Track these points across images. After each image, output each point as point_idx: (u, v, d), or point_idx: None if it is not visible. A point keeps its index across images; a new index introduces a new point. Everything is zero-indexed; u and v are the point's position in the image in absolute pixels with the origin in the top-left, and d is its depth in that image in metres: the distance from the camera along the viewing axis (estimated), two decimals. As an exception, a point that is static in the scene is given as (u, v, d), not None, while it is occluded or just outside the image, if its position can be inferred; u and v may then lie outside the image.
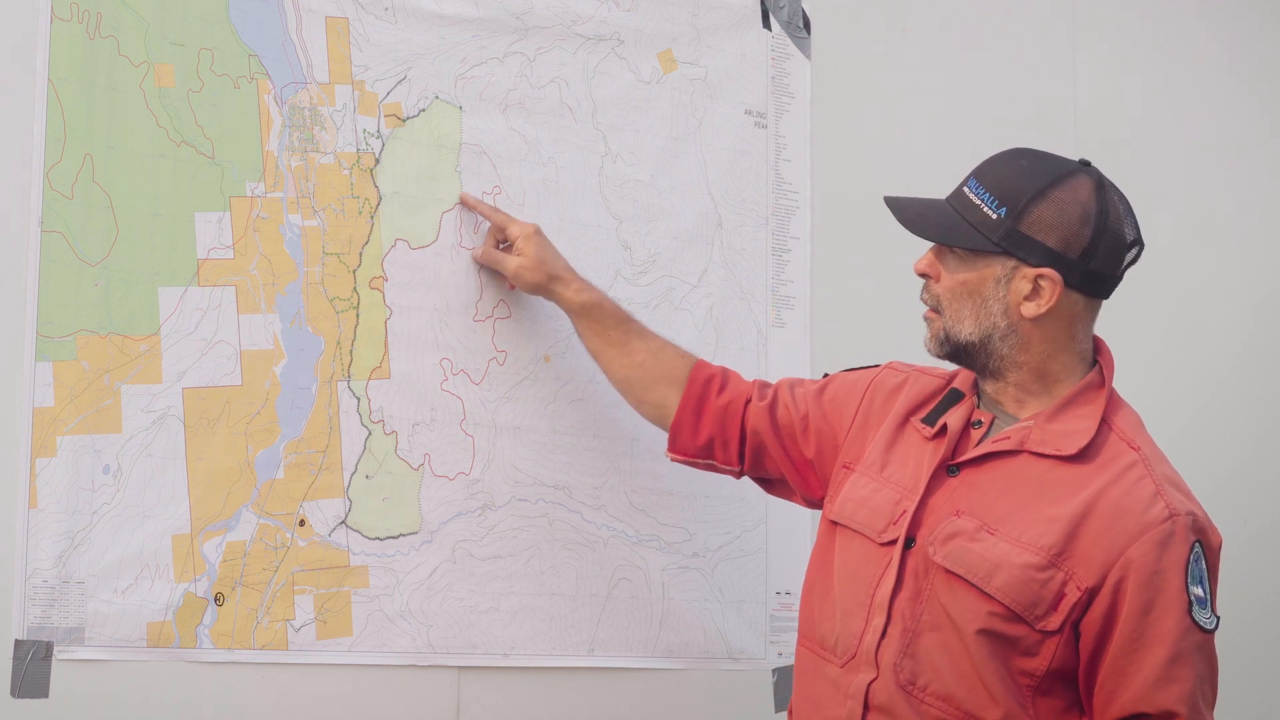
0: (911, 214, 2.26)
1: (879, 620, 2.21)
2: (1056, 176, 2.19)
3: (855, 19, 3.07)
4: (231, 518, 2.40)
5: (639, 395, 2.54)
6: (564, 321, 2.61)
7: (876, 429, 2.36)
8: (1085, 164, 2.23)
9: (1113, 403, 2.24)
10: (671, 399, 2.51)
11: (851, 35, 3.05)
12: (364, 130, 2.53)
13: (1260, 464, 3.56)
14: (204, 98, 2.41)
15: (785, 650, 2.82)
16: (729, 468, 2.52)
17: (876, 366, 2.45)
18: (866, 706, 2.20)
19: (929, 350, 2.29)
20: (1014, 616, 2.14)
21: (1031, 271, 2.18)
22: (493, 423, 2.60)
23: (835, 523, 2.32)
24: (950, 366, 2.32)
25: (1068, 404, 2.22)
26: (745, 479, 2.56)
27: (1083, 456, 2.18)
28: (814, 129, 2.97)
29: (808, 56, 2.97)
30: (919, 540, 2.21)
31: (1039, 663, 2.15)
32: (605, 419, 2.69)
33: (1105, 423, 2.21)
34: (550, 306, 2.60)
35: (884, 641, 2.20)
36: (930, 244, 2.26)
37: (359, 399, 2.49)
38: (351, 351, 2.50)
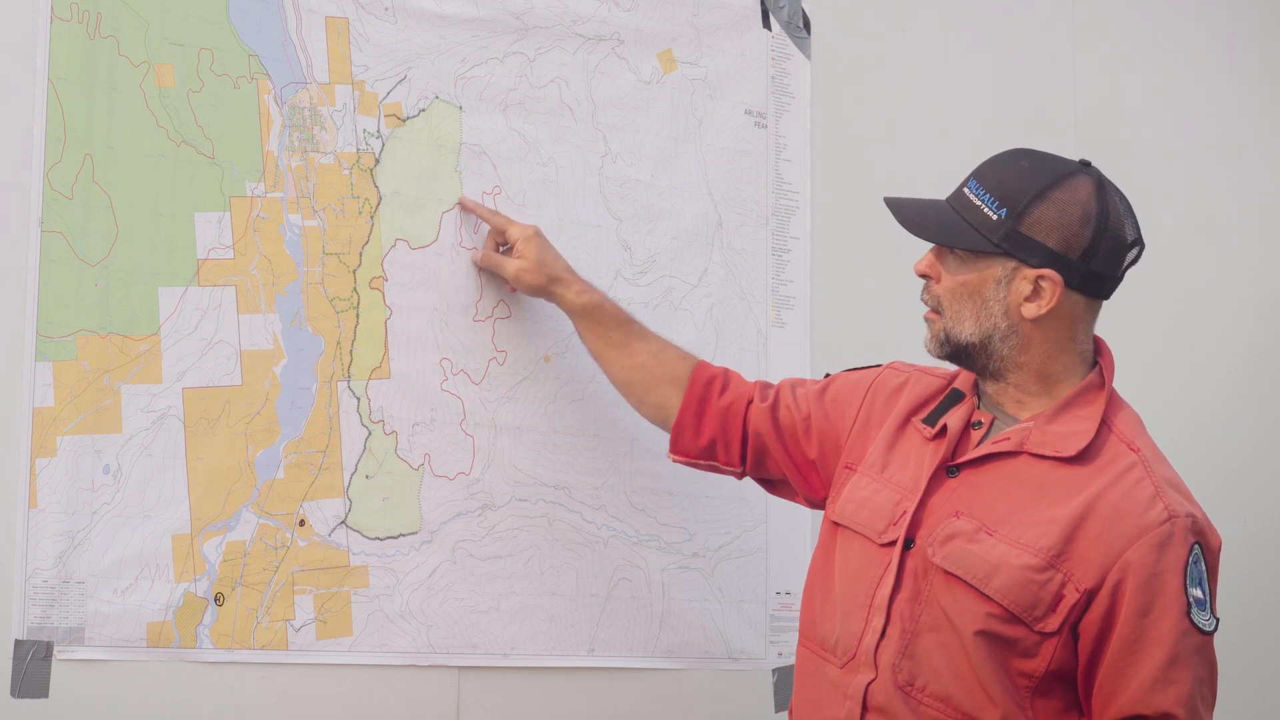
0: (912, 215, 2.25)
1: (878, 621, 2.21)
2: (1057, 177, 2.19)
3: (855, 19, 3.07)
4: (231, 518, 2.40)
5: (640, 397, 2.54)
6: (564, 321, 2.61)
7: (878, 429, 2.35)
8: (1086, 164, 2.23)
9: (1113, 404, 2.24)
10: (673, 400, 2.51)
11: (851, 35, 3.05)
12: (364, 130, 2.53)
13: (1260, 464, 3.56)
14: (204, 98, 2.41)
15: (785, 650, 2.82)
16: (731, 469, 2.52)
17: (878, 366, 2.45)
18: (865, 707, 2.20)
19: (929, 351, 2.29)
20: (1012, 618, 2.14)
21: (1032, 272, 2.18)
22: (493, 423, 2.60)
23: (837, 523, 2.32)
24: (951, 367, 2.32)
25: (1068, 405, 2.21)
26: (747, 479, 2.56)
27: (1082, 458, 2.17)
28: (814, 129, 2.97)
29: (808, 56, 2.97)
30: (918, 541, 2.21)
31: (1037, 664, 2.14)
32: (605, 419, 2.69)
33: (1105, 424, 2.21)
34: (550, 307, 2.60)
35: (883, 642, 2.20)
36: (930, 245, 2.26)
37: (359, 399, 2.49)
38: (351, 351, 2.50)
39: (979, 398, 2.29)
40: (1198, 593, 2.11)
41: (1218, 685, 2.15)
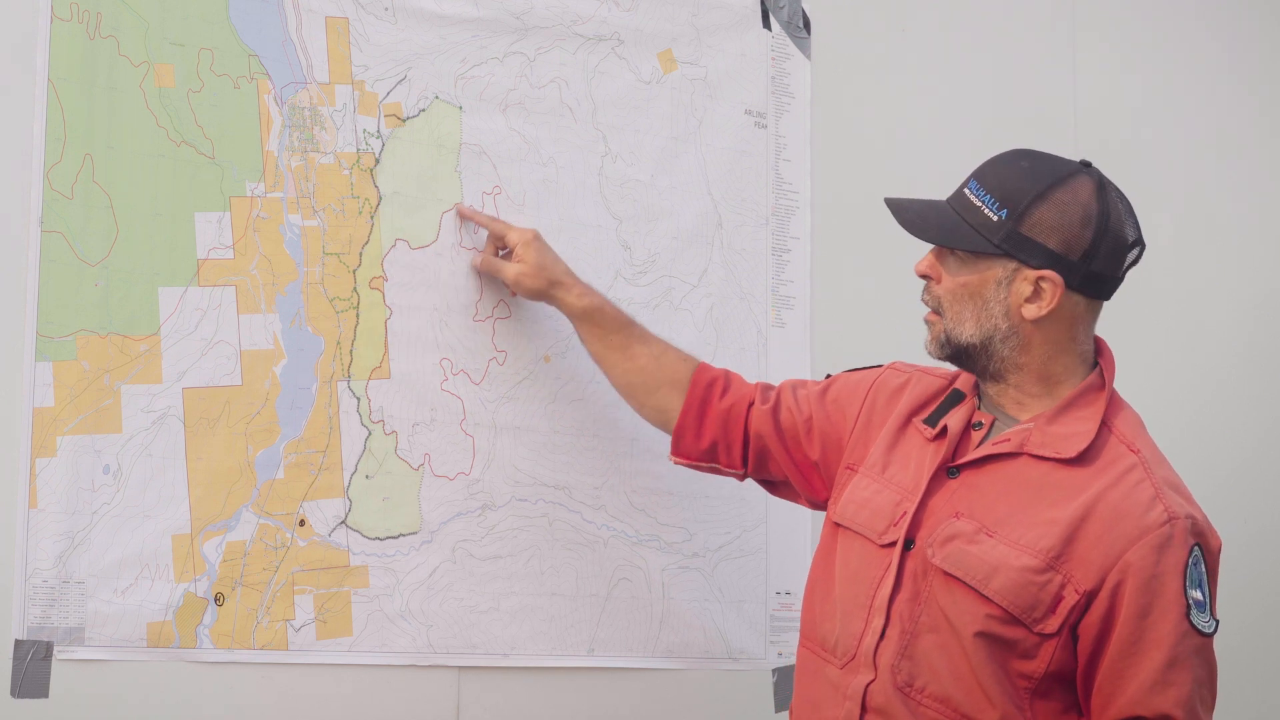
0: (912, 215, 2.25)
1: (878, 622, 2.21)
2: (1057, 178, 2.19)
3: (855, 19, 3.07)
4: (231, 518, 2.40)
5: (641, 400, 2.54)
6: (564, 321, 2.60)
7: (879, 430, 2.35)
8: (1086, 165, 2.23)
9: (1113, 404, 2.24)
10: (674, 403, 2.51)
11: (851, 35, 3.05)
12: (364, 130, 2.53)
13: (1260, 464, 3.56)
14: (204, 98, 2.41)
15: (785, 650, 2.82)
16: (733, 471, 2.52)
17: (879, 367, 2.45)
18: (864, 708, 2.20)
19: (929, 352, 2.29)
20: (1012, 619, 2.14)
21: (1032, 273, 2.18)
22: (493, 423, 2.60)
23: (838, 524, 2.32)
24: (952, 367, 2.32)
25: (1068, 406, 2.21)
26: (748, 480, 2.56)
27: (1082, 459, 2.17)
28: (814, 129, 2.97)
29: (808, 56, 2.97)
30: (918, 542, 2.21)
31: (1037, 665, 2.14)
32: (605, 419, 2.69)
33: (1105, 425, 2.21)
34: (550, 307, 2.60)
35: (882, 643, 2.20)
36: (931, 246, 2.26)
37: (359, 399, 2.49)
38: (351, 351, 2.50)
39: (979, 398, 2.29)
40: (1197, 594, 2.11)
41: (1217, 686, 2.15)
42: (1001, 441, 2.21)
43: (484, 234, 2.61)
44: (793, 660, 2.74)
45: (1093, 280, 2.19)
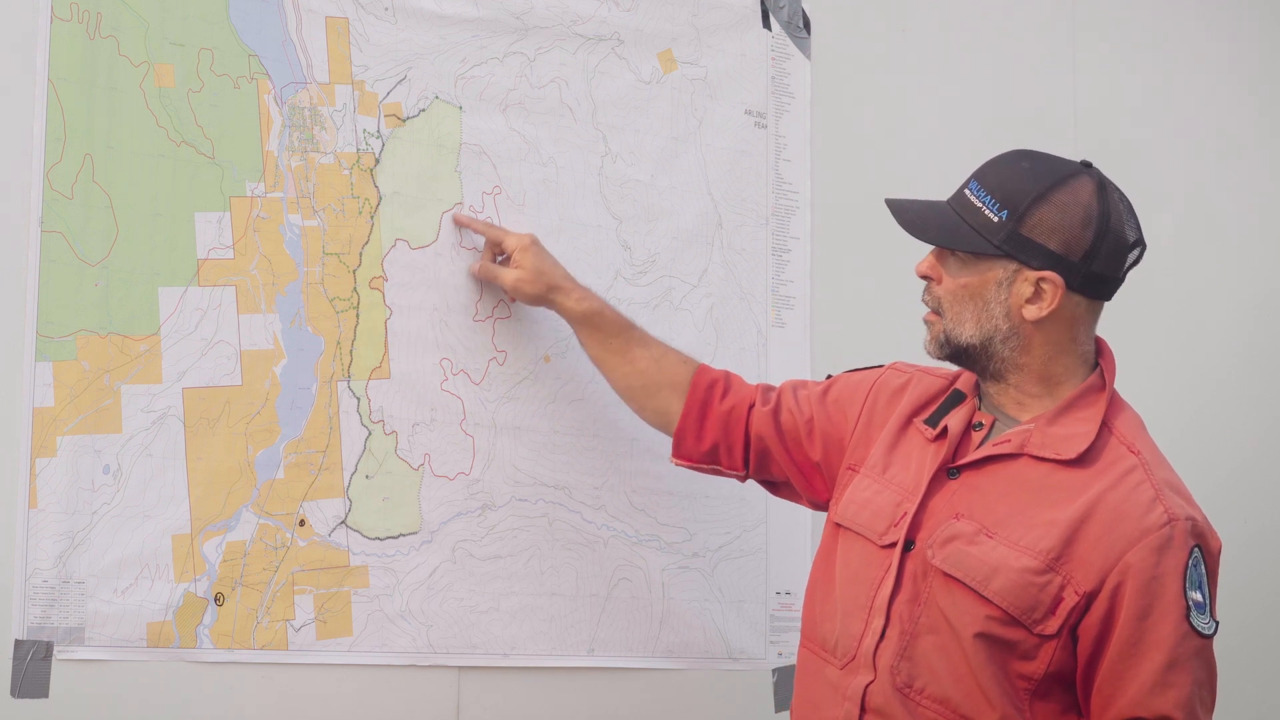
0: (912, 216, 2.25)
1: (878, 623, 2.21)
2: (1058, 178, 2.19)
3: (855, 19, 3.07)
4: (231, 518, 2.40)
5: (642, 402, 2.54)
6: (564, 321, 2.60)
7: (880, 430, 2.35)
8: (1087, 165, 2.23)
9: (1114, 405, 2.23)
10: (674, 406, 2.51)
11: (851, 35, 3.05)
12: (364, 130, 2.53)
13: (1260, 464, 3.56)
14: (204, 98, 2.41)
15: (785, 650, 2.82)
16: (734, 472, 2.51)
17: (880, 367, 2.45)
18: (863, 709, 2.20)
19: (928, 352, 2.29)
20: (1011, 620, 2.13)
21: (1033, 274, 2.17)
22: (493, 423, 2.60)
23: (839, 525, 2.32)
24: (953, 367, 2.32)
25: (1068, 407, 2.21)
26: (749, 481, 2.56)
27: (1083, 460, 2.17)
28: (814, 129, 2.97)
29: (808, 56, 2.97)
30: (918, 543, 2.21)
31: (1036, 666, 2.14)
32: (605, 419, 2.69)
33: (1106, 426, 2.20)
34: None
35: (882, 644, 2.20)
36: (931, 246, 2.26)
37: (359, 399, 2.49)
38: (351, 351, 2.50)
39: (980, 399, 2.29)
40: (1197, 596, 2.11)
41: (1217, 688, 2.15)
42: (1002, 442, 2.21)
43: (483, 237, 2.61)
44: (793, 660, 2.74)
45: (1093, 281, 2.19)
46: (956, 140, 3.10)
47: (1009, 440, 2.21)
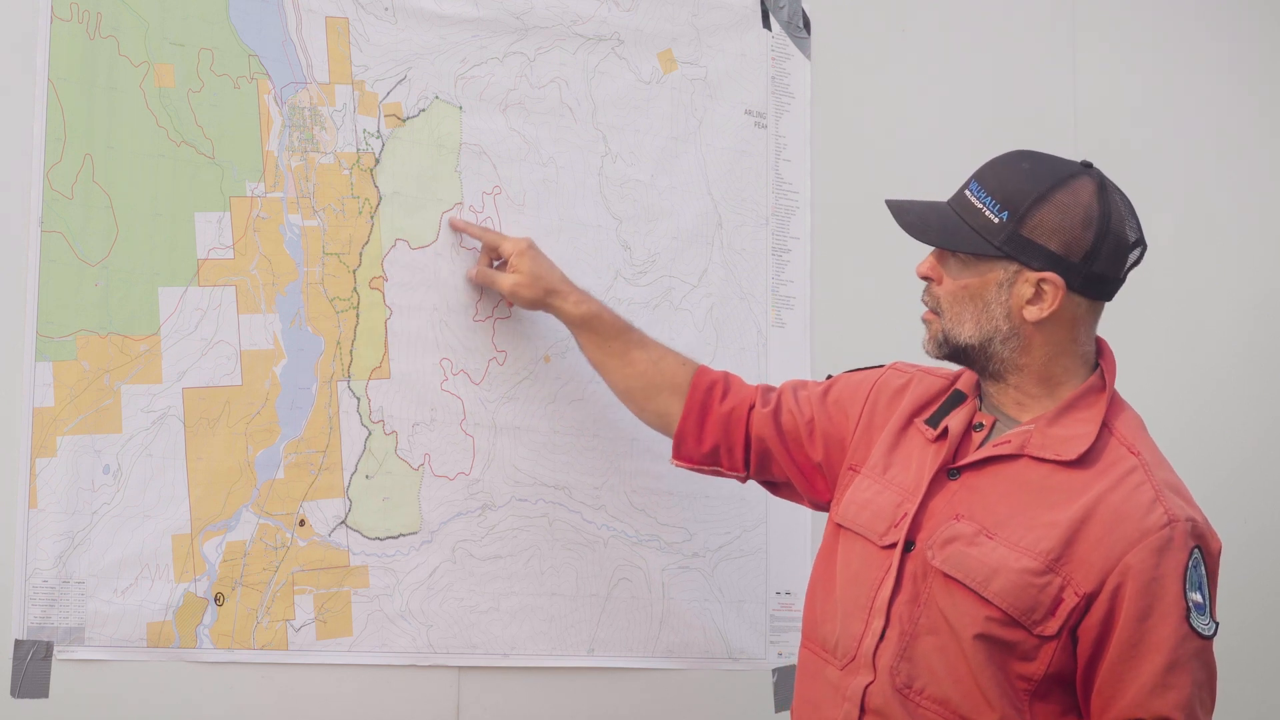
0: (913, 218, 2.25)
1: (878, 623, 2.21)
2: (1058, 179, 2.19)
3: (855, 19, 3.07)
4: (231, 518, 2.40)
5: (641, 405, 2.54)
6: (564, 322, 2.61)
7: (881, 430, 2.35)
8: (1087, 165, 2.23)
9: (1114, 406, 2.23)
10: (674, 408, 2.51)
11: (851, 35, 3.05)
12: (364, 130, 2.53)
13: (1260, 464, 3.56)
14: (204, 98, 2.41)
15: (785, 650, 2.82)
16: (734, 473, 2.51)
17: (880, 367, 2.45)
18: (863, 709, 2.20)
19: (927, 351, 2.28)
20: (1011, 621, 2.13)
21: (1034, 275, 2.17)
22: (493, 423, 2.60)
23: (839, 525, 2.31)
24: (954, 367, 2.32)
25: (1069, 408, 2.21)
26: (750, 481, 2.56)
27: (1083, 461, 2.17)
28: (814, 129, 2.97)
29: (808, 56, 2.97)
30: (918, 544, 2.21)
31: (1036, 667, 2.14)
32: (605, 419, 2.69)
33: (1106, 427, 2.20)
34: (549, 309, 2.60)
35: (882, 644, 2.20)
36: (931, 247, 2.26)
37: (359, 399, 2.49)
38: (351, 351, 2.50)
39: (980, 399, 2.29)
40: (1197, 597, 2.11)
41: (1216, 689, 2.15)
42: (1002, 443, 2.21)
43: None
44: (793, 660, 2.74)
45: (1094, 282, 2.19)
46: (956, 140, 3.10)
47: (1009, 441, 2.21)
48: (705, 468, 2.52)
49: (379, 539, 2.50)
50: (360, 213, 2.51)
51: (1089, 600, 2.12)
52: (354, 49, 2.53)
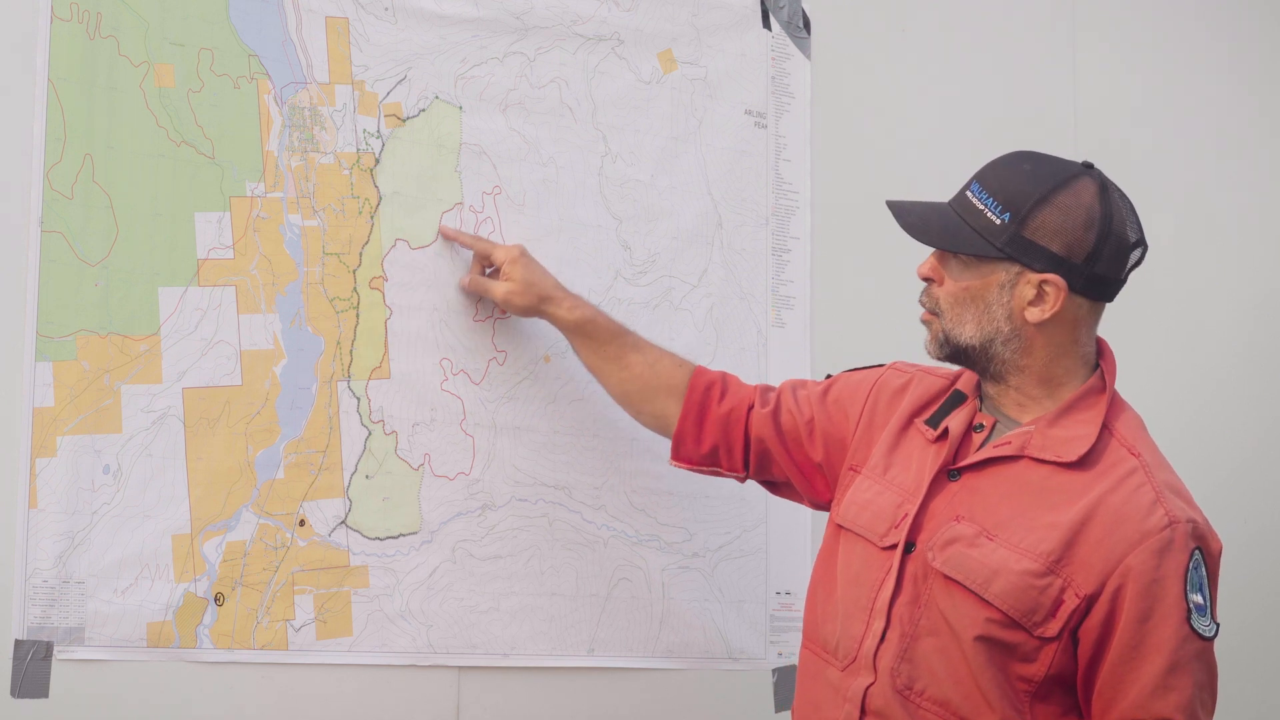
0: (915, 219, 2.24)
1: (878, 625, 2.21)
2: (1060, 180, 2.18)
3: (855, 19, 3.07)
4: (231, 518, 2.40)
5: (639, 408, 2.54)
6: (563, 322, 2.61)
7: (881, 430, 2.35)
8: (1088, 166, 2.23)
9: (1114, 407, 2.23)
10: (671, 410, 2.50)
11: (851, 35, 3.05)
12: (364, 130, 2.53)
13: (1260, 464, 3.56)
14: (204, 98, 2.41)
15: (785, 650, 2.82)
16: (734, 474, 2.51)
17: (880, 366, 2.45)
18: (863, 710, 2.20)
19: (929, 352, 2.28)
20: (1012, 623, 2.13)
21: (1036, 277, 2.17)
22: (493, 423, 2.60)
23: (840, 526, 2.31)
24: (954, 367, 2.32)
25: (1069, 409, 2.21)
26: (750, 481, 2.56)
27: (1083, 463, 2.17)
28: (814, 129, 2.97)
29: (808, 56, 2.97)
30: (919, 545, 2.21)
31: (1037, 669, 2.14)
32: (605, 419, 2.69)
33: (1106, 428, 2.20)
34: (548, 310, 2.60)
35: (882, 646, 2.20)
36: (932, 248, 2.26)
37: (359, 399, 2.49)
38: (351, 351, 2.50)
39: (981, 400, 2.29)
40: (1198, 598, 2.11)
41: (1217, 690, 2.15)
42: (1002, 444, 2.21)
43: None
44: (793, 660, 2.74)
45: (1096, 283, 2.18)
46: (956, 140, 3.10)
47: (1009, 442, 2.21)
48: (704, 468, 2.51)
49: (379, 539, 2.50)
50: (360, 213, 2.51)
51: (1090, 602, 2.11)
52: (354, 49, 2.53)
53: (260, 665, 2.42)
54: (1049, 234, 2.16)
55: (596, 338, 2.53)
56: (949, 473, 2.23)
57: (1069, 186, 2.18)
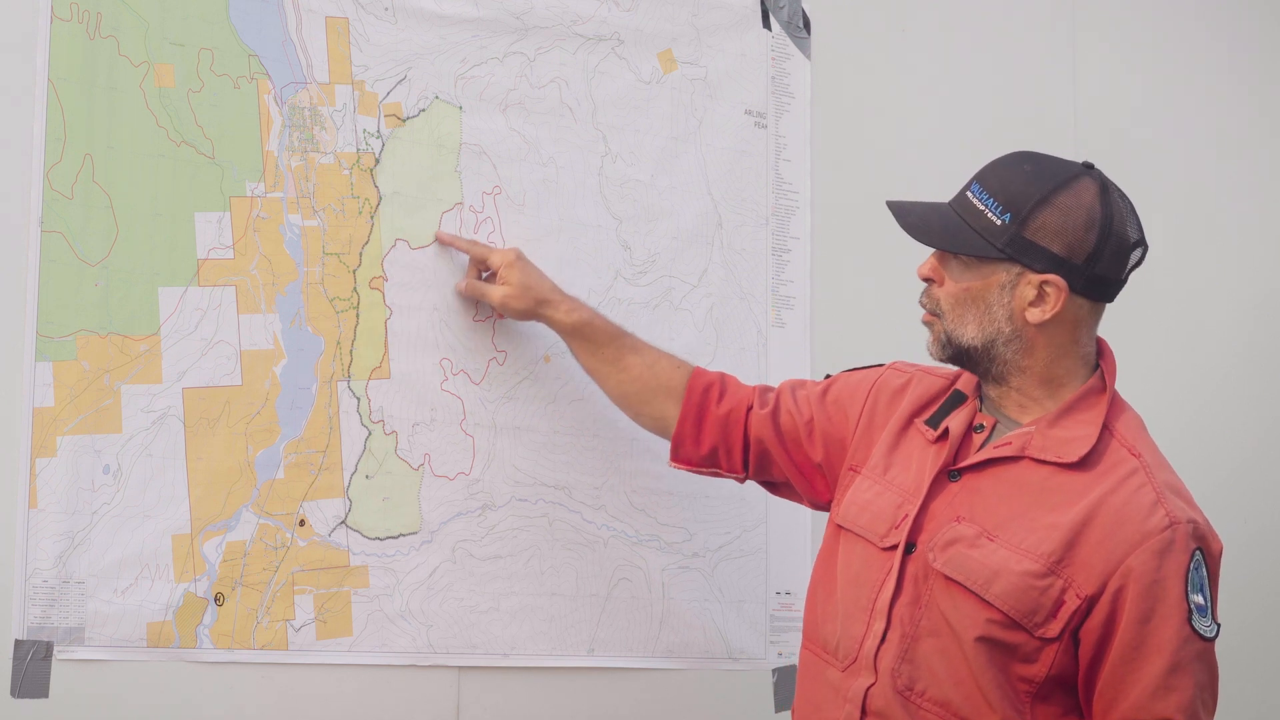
0: (915, 220, 2.24)
1: (879, 625, 2.21)
2: (1061, 181, 2.18)
3: (855, 19, 3.07)
4: (231, 518, 2.40)
5: (638, 409, 2.54)
6: (563, 321, 2.61)
7: (881, 430, 2.35)
8: (1089, 166, 2.23)
9: (1115, 407, 2.23)
10: (670, 411, 2.50)
11: (851, 35, 3.05)
12: (364, 130, 2.53)
13: (1260, 464, 3.56)
14: (204, 98, 2.41)
15: (785, 650, 2.82)
16: (733, 475, 2.51)
17: (880, 366, 2.45)
18: (864, 711, 2.20)
19: (931, 354, 2.28)
20: (1013, 624, 2.13)
21: (1036, 278, 2.17)
22: (493, 423, 2.60)
23: (840, 526, 2.31)
24: (954, 367, 2.32)
25: (1069, 409, 2.21)
26: (749, 481, 2.56)
27: (1084, 464, 2.17)
28: (814, 129, 2.97)
29: (808, 56, 2.97)
30: (919, 546, 2.21)
31: (1038, 670, 2.14)
32: (605, 419, 2.69)
33: (1107, 428, 2.20)
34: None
35: (883, 647, 2.20)
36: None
37: (359, 399, 2.49)
38: (351, 351, 2.50)
39: (981, 400, 2.29)
40: (1199, 599, 2.11)
41: (1218, 690, 2.15)
42: (1003, 445, 2.21)
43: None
44: (793, 660, 2.74)
45: (1096, 283, 2.18)
46: (957, 140, 3.10)
47: (1010, 443, 2.20)
48: (704, 470, 2.51)
49: (379, 539, 2.50)
50: (360, 213, 2.51)
51: (1090, 603, 2.11)
52: (354, 49, 2.53)
53: (260, 665, 2.42)
54: (1050, 235, 2.16)
55: (594, 340, 2.53)
56: (949, 473, 2.23)
57: (1069, 187, 2.18)
